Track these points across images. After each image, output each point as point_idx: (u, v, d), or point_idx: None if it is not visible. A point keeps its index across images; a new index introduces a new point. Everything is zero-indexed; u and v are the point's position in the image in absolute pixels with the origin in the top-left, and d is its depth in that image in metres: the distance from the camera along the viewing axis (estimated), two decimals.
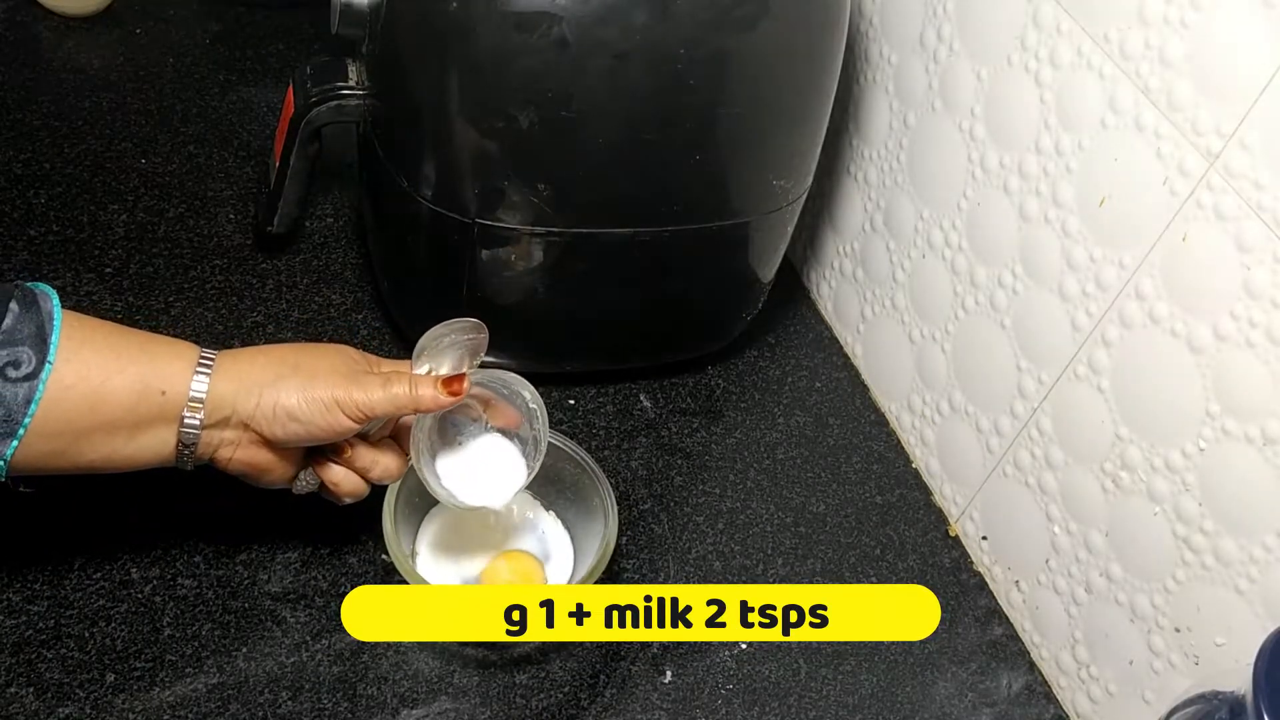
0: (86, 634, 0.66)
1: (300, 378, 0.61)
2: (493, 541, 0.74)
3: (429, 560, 0.72)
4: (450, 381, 0.64)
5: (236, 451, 0.62)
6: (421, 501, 0.73)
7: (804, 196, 0.83)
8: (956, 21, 0.77)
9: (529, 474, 0.68)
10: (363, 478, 0.66)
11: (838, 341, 0.95)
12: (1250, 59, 0.57)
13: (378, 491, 0.68)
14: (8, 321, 0.54)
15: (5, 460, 0.55)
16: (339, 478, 0.66)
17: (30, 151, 0.90)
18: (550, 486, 0.75)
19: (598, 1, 0.65)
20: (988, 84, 0.75)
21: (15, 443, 0.55)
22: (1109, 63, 0.65)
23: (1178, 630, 0.67)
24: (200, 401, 0.59)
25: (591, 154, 0.71)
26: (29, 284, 0.57)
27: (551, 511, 0.76)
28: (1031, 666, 0.78)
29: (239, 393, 0.60)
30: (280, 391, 0.61)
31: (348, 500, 0.67)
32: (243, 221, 0.90)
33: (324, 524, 0.74)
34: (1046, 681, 0.77)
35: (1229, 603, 0.63)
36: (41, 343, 0.55)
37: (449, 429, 0.68)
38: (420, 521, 0.73)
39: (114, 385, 0.57)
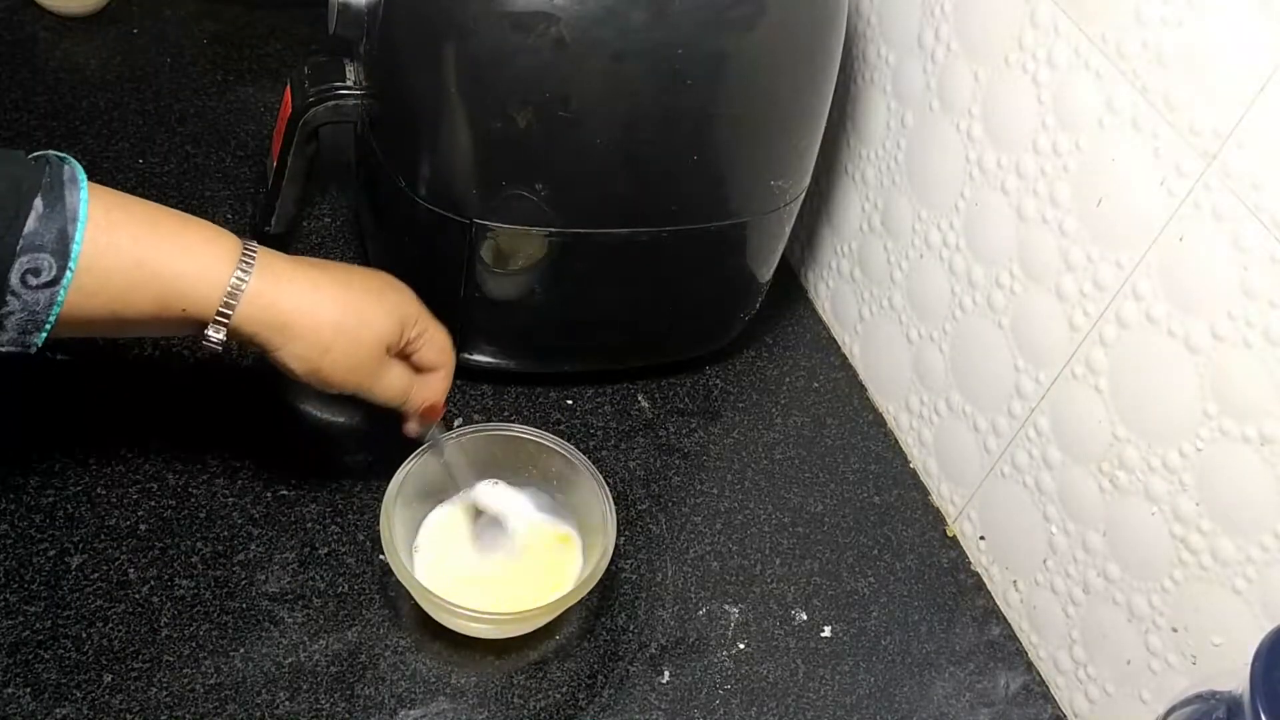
0: (84, 634, 0.66)
1: (331, 352, 0.62)
2: (489, 544, 0.74)
3: (426, 563, 0.72)
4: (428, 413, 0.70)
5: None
6: (419, 505, 0.73)
7: (802, 196, 0.83)
8: (954, 22, 0.77)
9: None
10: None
11: (835, 341, 0.95)
12: (1247, 59, 0.57)
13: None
14: (30, 224, 0.54)
15: (38, 345, 0.57)
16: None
17: (28, 151, 0.90)
18: (550, 494, 0.75)
19: (595, 2, 0.65)
20: (985, 84, 0.75)
21: (44, 334, 0.56)
22: (1106, 63, 0.65)
23: (1175, 630, 0.67)
24: (224, 324, 0.60)
25: (589, 154, 0.71)
26: (56, 158, 0.56)
27: (555, 516, 0.75)
28: (1029, 666, 0.78)
29: (261, 330, 0.61)
30: (296, 359, 0.62)
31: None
32: (240, 222, 0.90)
33: (322, 524, 0.74)
34: (1044, 681, 0.77)
35: (1226, 602, 0.63)
36: (64, 248, 0.54)
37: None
38: (419, 524, 0.73)
39: (134, 299, 0.57)
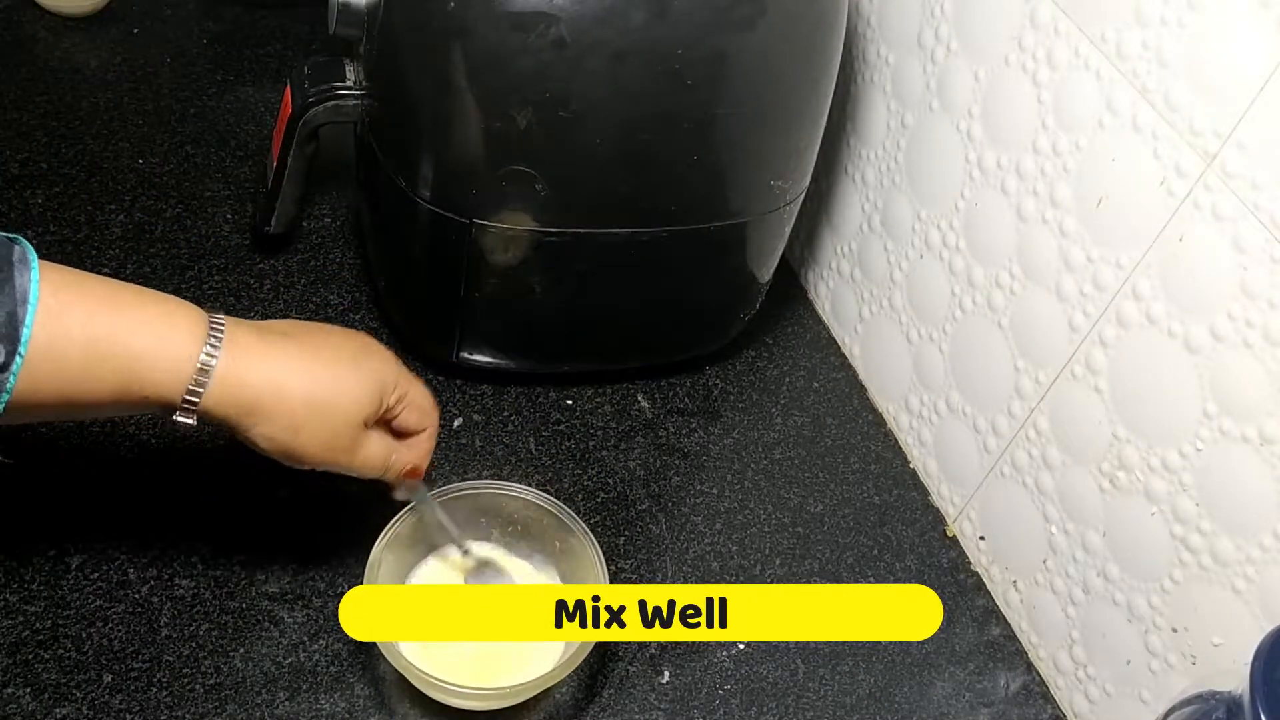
0: (84, 634, 0.66)
1: (304, 431, 0.58)
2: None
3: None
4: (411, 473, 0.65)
5: None
6: (409, 555, 0.70)
7: (802, 197, 0.83)
8: (954, 22, 0.77)
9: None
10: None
11: (835, 342, 0.95)
12: (1247, 59, 0.57)
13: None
14: None
15: None
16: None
17: (27, 152, 0.90)
18: (541, 553, 0.73)
19: (595, 2, 0.65)
20: (985, 84, 0.75)
21: None
22: (1106, 63, 0.65)
23: (1175, 630, 0.67)
24: (193, 409, 0.55)
25: (589, 154, 0.71)
26: (5, 238, 0.52)
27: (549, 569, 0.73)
28: (1029, 666, 0.78)
29: (230, 411, 0.56)
30: (266, 439, 0.58)
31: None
32: (240, 222, 0.90)
33: (321, 524, 0.74)
34: (1044, 681, 0.77)
35: (1226, 603, 0.63)
36: (13, 333, 0.51)
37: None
38: (407, 575, 0.70)
39: (90, 384, 0.53)
